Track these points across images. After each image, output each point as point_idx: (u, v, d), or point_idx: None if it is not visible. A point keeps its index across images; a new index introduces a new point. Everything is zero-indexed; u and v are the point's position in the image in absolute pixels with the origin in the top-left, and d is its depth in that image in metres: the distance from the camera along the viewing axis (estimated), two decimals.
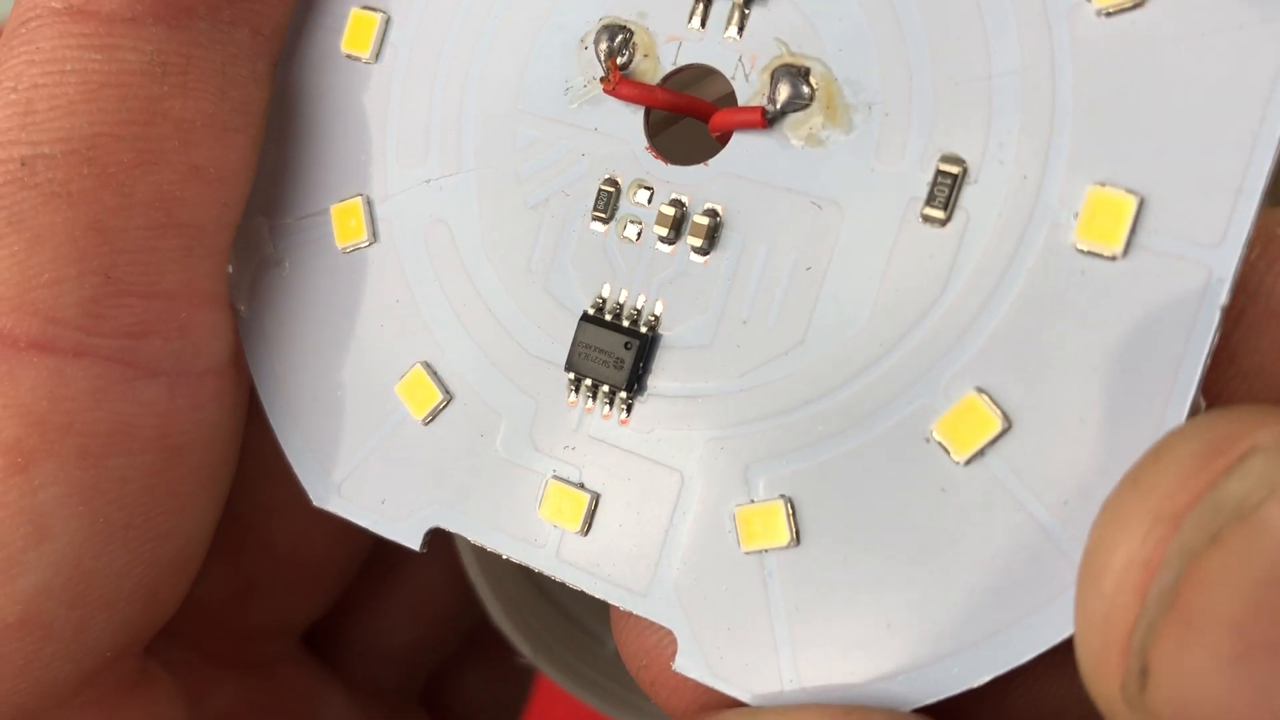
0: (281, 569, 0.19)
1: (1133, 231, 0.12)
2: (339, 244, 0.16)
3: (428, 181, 0.15)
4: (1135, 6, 0.12)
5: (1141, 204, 0.12)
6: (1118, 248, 0.12)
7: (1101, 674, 0.11)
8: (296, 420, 0.16)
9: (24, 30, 0.14)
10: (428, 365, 0.15)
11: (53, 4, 0.14)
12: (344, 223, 0.16)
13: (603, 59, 0.14)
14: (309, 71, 0.16)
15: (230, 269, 0.16)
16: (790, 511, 0.13)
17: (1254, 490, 0.10)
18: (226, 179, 0.15)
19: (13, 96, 0.14)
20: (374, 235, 0.16)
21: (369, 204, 0.16)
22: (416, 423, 0.15)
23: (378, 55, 0.16)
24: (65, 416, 0.14)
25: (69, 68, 0.14)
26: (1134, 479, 0.11)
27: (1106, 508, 0.11)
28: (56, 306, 0.14)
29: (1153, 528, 0.10)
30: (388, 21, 0.16)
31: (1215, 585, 0.10)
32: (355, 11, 0.16)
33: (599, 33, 0.14)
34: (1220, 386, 0.13)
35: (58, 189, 0.14)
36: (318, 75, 0.16)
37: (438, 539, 0.15)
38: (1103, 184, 0.12)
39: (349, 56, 0.16)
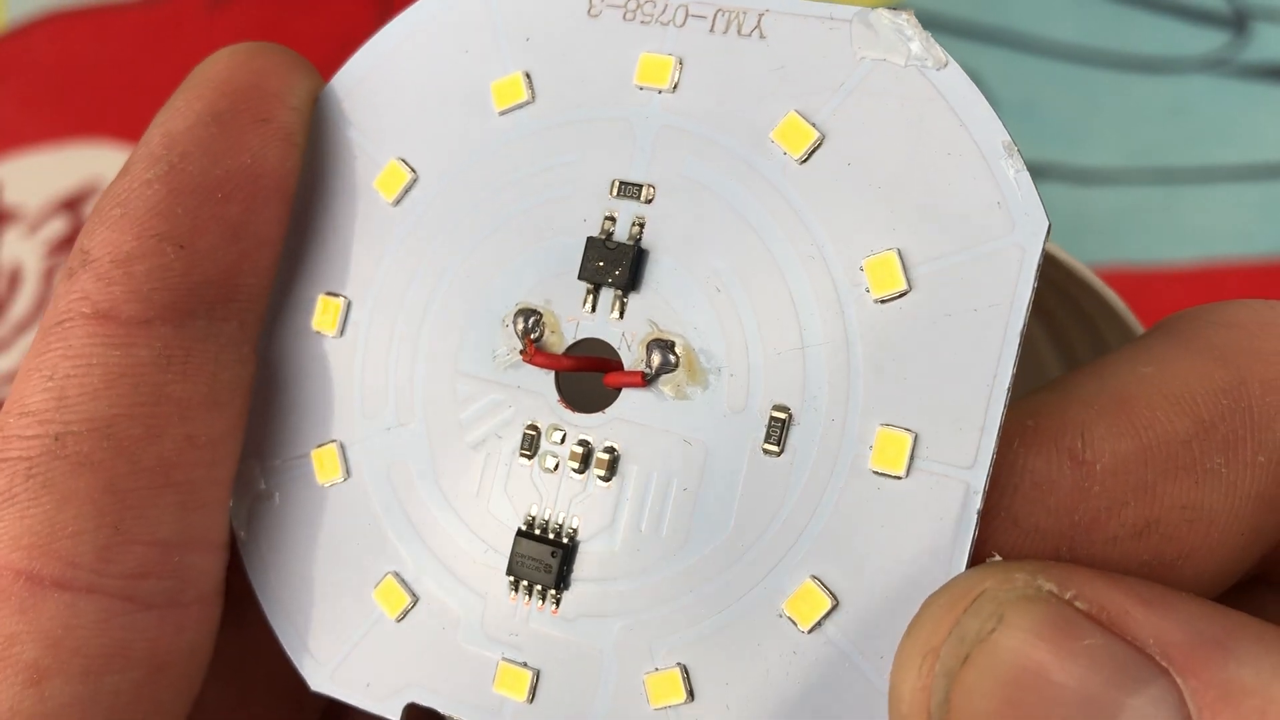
0: None
1: (911, 459, 0.16)
2: (319, 481, 0.20)
3: (388, 429, 0.20)
4: (901, 295, 0.17)
5: (916, 439, 0.16)
6: (901, 471, 0.16)
7: None
8: (293, 622, 0.20)
9: (58, 329, 0.18)
10: (397, 575, 0.19)
11: (83, 309, 0.18)
12: (323, 464, 0.20)
13: (520, 335, 0.19)
14: (287, 344, 0.20)
15: (231, 503, 0.20)
16: (685, 675, 0.18)
17: (986, 621, 0.15)
18: (215, 444, 0.19)
19: (49, 384, 0.18)
20: (348, 473, 0.20)
21: (342, 448, 0.20)
22: (391, 620, 0.19)
23: (342, 331, 0.20)
24: (75, 641, 0.18)
25: (94, 361, 0.18)
26: (909, 629, 0.16)
27: (896, 654, 0.16)
28: (76, 553, 0.18)
29: (923, 661, 0.15)
30: (349, 305, 0.20)
31: (972, 693, 0.15)
32: (322, 297, 0.20)
33: (516, 314, 0.19)
34: (1011, 545, 0.17)
35: (83, 459, 0.18)
36: (294, 347, 0.20)
37: (414, 710, 0.19)
38: (888, 424, 0.17)
39: (318, 333, 0.20)
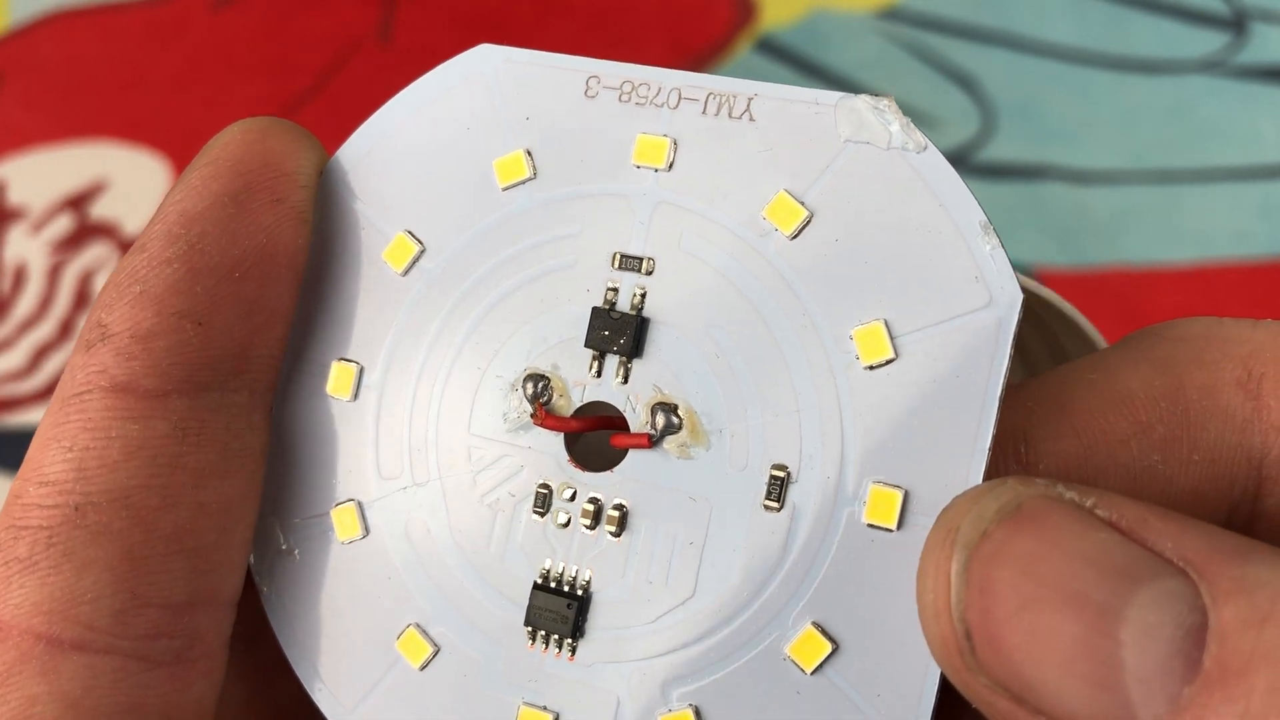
0: None
1: (902, 512, 0.20)
2: (339, 538, 0.23)
3: (404, 489, 0.23)
4: (888, 363, 0.20)
5: (906, 495, 0.20)
6: (893, 524, 0.20)
7: (946, 652, 0.17)
8: (317, 670, 0.23)
9: (78, 401, 0.21)
10: (419, 626, 0.23)
11: (101, 382, 0.21)
12: (342, 523, 0.23)
13: (529, 399, 0.22)
14: (303, 407, 0.23)
15: (252, 559, 0.23)
16: (697, 716, 0.21)
17: (1005, 506, 0.17)
18: (226, 510, 0.22)
19: (69, 455, 0.21)
20: (367, 530, 0.23)
21: (360, 507, 0.23)
22: (414, 669, 0.23)
23: (356, 395, 0.23)
24: (94, 701, 0.21)
25: (113, 434, 0.21)
26: (936, 520, 0.18)
27: (924, 548, 0.18)
28: (94, 617, 0.21)
29: (945, 538, 0.18)
30: (361, 370, 0.23)
31: (989, 562, 0.17)
32: (335, 362, 0.23)
33: (525, 380, 0.22)
34: None
35: (102, 529, 0.21)
36: (310, 410, 0.23)
37: None
38: (880, 482, 0.20)
39: (333, 397, 0.23)
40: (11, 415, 0.54)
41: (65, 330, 0.56)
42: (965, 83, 0.46)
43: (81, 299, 0.56)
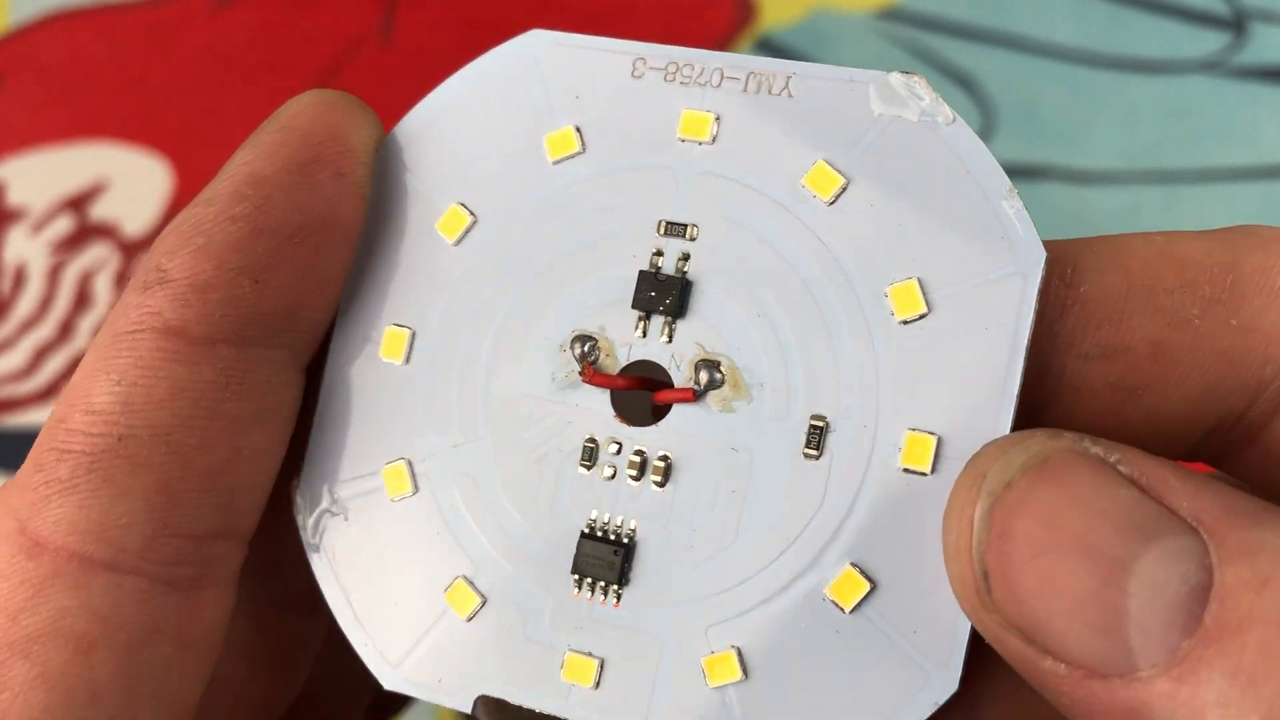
0: None
1: (936, 458, 0.21)
2: (390, 496, 0.25)
3: (455, 446, 0.24)
4: (921, 317, 0.22)
5: (940, 441, 0.21)
6: (927, 468, 0.21)
7: (964, 590, 0.19)
8: (364, 627, 0.25)
9: (130, 338, 0.22)
10: (467, 578, 0.24)
11: (155, 324, 0.22)
12: (392, 480, 0.25)
13: (578, 359, 0.23)
14: (357, 371, 0.25)
15: (300, 518, 0.25)
16: (739, 657, 0.22)
17: (1032, 458, 0.19)
18: (258, 456, 0.24)
19: (117, 388, 0.22)
20: (416, 487, 0.25)
21: (410, 465, 0.25)
22: (461, 620, 0.24)
23: (408, 359, 0.25)
24: (120, 617, 0.22)
25: (162, 374, 0.22)
26: (967, 464, 0.20)
27: (951, 491, 0.20)
28: (126, 541, 0.22)
29: (972, 484, 0.19)
30: (414, 335, 0.25)
31: (1011, 510, 0.18)
32: (389, 328, 0.25)
33: (573, 341, 0.24)
34: None
35: (142, 461, 0.22)
36: (364, 374, 0.25)
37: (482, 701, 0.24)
38: (914, 429, 0.21)
39: (386, 361, 0.25)
40: (11, 416, 0.55)
41: (65, 331, 0.57)
42: (965, 83, 0.48)
43: (82, 299, 0.58)
